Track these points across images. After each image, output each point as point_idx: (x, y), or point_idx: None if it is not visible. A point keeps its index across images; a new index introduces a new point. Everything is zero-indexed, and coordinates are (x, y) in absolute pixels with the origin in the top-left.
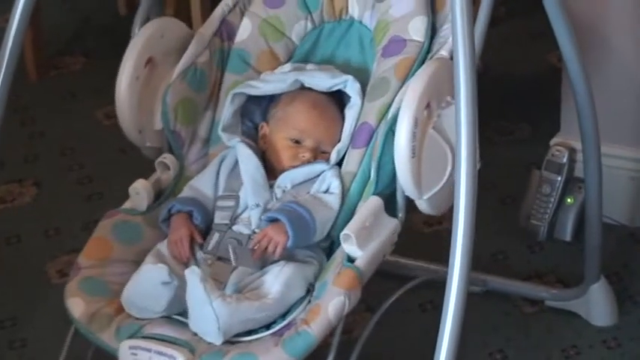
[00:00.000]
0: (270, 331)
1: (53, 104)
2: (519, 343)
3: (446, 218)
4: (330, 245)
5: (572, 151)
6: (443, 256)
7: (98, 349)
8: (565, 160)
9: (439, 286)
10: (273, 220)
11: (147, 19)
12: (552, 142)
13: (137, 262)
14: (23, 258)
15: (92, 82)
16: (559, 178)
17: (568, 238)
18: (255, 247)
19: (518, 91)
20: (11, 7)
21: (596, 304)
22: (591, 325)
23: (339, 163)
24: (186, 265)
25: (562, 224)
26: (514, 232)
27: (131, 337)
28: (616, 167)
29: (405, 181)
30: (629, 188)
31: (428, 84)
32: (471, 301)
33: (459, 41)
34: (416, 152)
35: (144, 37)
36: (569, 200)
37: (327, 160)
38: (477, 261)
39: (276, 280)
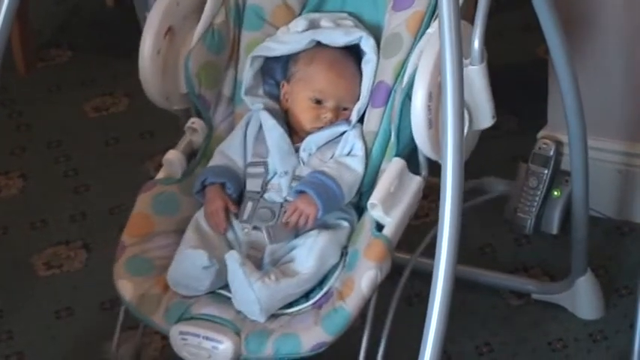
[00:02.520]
0: (310, 302)
1: (40, 97)
2: (505, 336)
3: (432, 211)
4: (359, 200)
5: (559, 144)
6: (430, 249)
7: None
8: (552, 153)
9: (425, 278)
10: (301, 192)
11: None
12: (539, 135)
13: (178, 232)
14: (9, 250)
15: (79, 75)
16: (546, 171)
17: (555, 231)
18: (286, 222)
19: (506, 84)
20: None
21: (583, 298)
22: (577, 318)
23: (360, 121)
24: (225, 235)
25: (549, 217)
26: (501, 225)
27: (180, 319)
28: (603, 160)
29: (425, 149)
30: (616, 181)
31: (439, 56)
32: (458, 293)
33: (445, 34)
34: (432, 124)
35: (160, 10)
36: (555, 193)
37: (348, 119)
38: (463, 254)
39: (311, 254)
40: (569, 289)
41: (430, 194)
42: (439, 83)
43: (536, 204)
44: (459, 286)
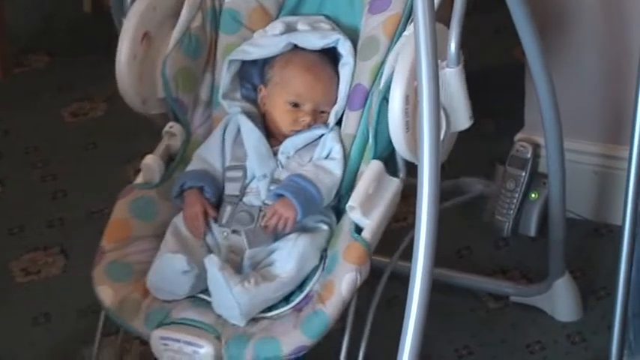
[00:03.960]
0: (290, 306)
1: (17, 102)
2: (484, 338)
3: (411, 214)
4: (338, 203)
5: (536, 146)
6: (408, 252)
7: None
8: (529, 155)
9: (404, 281)
10: (280, 196)
11: None
12: (516, 137)
13: (157, 236)
14: None
15: (56, 80)
16: (523, 174)
17: (532, 233)
18: (266, 225)
19: (483, 86)
20: None
21: (561, 300)
22: (556, 320)
23: (338, 124)
24: (204, 239)
25: (526, 219)
26: (479, 228)
27: (160, 324)
28: (579, 162)
29: (402, 152)
30: (593, 183)
31: (415, 60)
32: (436, 296)
33: (420, 37)
34: (410, 127)
35: (137, 15)
36: (533, 195)
37: (326, 122)
38: (442, 257)
39: (290, 257)
40: (547, 292)
41: (409, 196)
42: (416, 87)
43: (513, 206)
44: (437, 288)
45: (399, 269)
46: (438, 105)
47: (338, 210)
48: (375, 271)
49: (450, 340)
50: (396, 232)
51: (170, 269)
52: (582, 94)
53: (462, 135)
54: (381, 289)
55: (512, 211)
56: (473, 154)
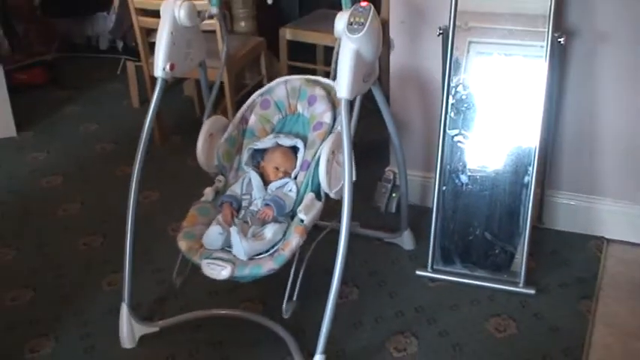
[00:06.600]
0: (268, 254)
1: (169, 157)
2: (373, 257)
3: (338, 203)
4: (292, 214)
5: (395, 173)
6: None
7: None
8: (392, 177)
9: (337, 232)
10: (267, 205)
11: (210, 114)
12: (386, 169)
13: (209, 224)
14: (152, 225)
15: (185, 149)
16: (389, 185)
17: (393, 211)
18: (259, 217)
19: (370, 146)
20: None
21: (406, 240)
22: (404, 249)
23: (295, 178)
24: (230, 225)
25: (391, 205)
26: (370, 209)
27: (206, 258)
28: (414, 180)
29: (325, 187)
30: (420, 188)
31: (332, 144)
32: (351, 240)
33: (344, 130)
34: (329, 173)
35: (207, 126)
36: (393, 195)
37: (290, 176)
38: (353, 222)
39: (270, 232)
40: (401, 236)
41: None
42: (332, 155)
43: (385, 199)
44: (351, 237)
45: (337, 227)
46: (352, 163)
47: (292, 216)
48: (320, 228)
49: (357, 258)
50: (332, 207)
51: (213, 232)
52: (413, 145)
53: (364, 170)
54: (321, 236)
55: (385, 201)
56: (368, 178)
